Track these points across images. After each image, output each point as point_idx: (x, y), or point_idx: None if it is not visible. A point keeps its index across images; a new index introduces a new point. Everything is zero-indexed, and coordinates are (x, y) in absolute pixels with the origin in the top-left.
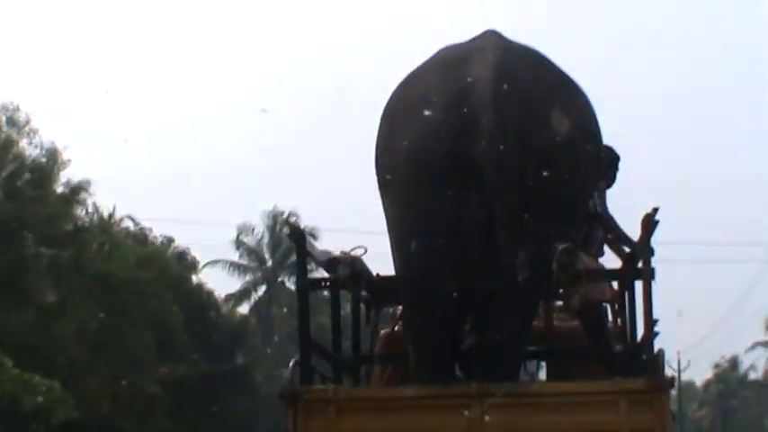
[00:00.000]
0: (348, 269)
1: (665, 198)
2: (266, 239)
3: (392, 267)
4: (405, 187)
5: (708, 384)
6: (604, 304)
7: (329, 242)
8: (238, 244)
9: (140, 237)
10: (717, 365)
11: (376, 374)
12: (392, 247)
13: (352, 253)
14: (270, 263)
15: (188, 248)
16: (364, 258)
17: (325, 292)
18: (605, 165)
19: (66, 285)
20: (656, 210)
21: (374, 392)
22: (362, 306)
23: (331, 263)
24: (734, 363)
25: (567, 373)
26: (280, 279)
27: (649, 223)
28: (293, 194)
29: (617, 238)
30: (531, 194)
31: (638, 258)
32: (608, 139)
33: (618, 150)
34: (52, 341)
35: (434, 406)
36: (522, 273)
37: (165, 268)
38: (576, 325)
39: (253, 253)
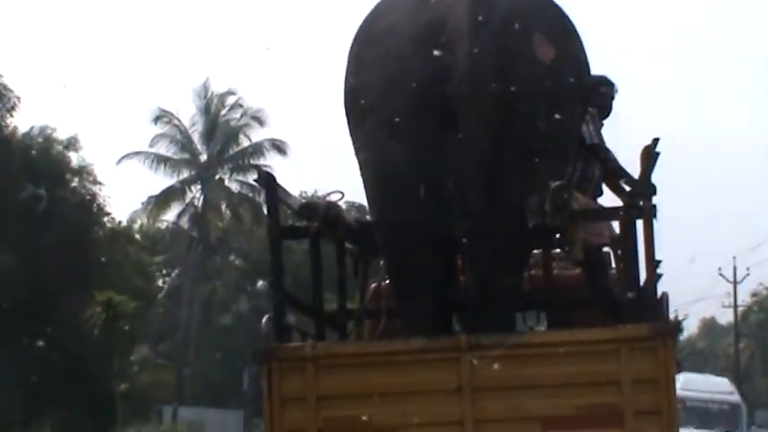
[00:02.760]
0: (323, 215)
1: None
2: (199, 126)
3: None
4: (375, 130)
5: (747, 314)
6: (605, 248)
7: (278, 130)
8: (162, 133)
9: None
10: (755, 294)
11: (367, 330)
12: (366, 191)
13: (330, 198)
14: (204, 156)
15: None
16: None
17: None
18: (598, 95)
19: None
20: (656, 140)
21: (356, 348)
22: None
23: (304, 209)
24: None
25: (568, 324)
26: (218, 176)
27: (649, 155)
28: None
29: (616, 174)
30: (513, 131)
31: (639, 196)
32: (604, 67)
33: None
34: None
35: (422, 360)
36: (533, 217)
37: None
38: (577, 273)
39: (180, 143)
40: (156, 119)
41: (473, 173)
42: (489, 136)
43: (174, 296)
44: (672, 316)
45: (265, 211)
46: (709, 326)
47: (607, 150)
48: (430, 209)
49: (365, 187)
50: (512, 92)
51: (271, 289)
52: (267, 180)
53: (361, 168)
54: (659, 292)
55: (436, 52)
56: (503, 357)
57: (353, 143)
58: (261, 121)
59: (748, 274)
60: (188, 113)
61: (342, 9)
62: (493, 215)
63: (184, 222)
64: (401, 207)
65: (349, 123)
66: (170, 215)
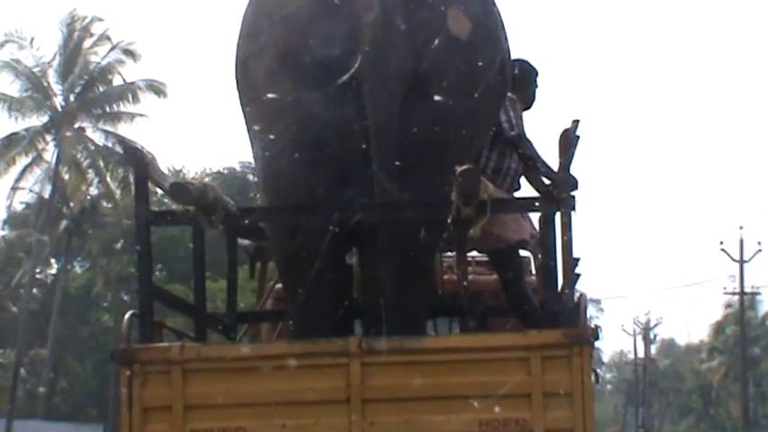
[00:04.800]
0: (196, 198)
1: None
2: (56, 61)
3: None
4: (268, 107)
5: (719, 327)
6: (524, 250)
7: (150, 68)
8: (7, 66)
9: None
10: (729, 305)
11: (265, 334)
12: (258, 175)
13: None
14: (60, 98)
15: None
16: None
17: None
18: (518, 78)
19: None
20: (576, 122)
21: (230, 351)
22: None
23: (175, 189)
24: (753, 300)
25: (483, 332)
26: (78, 125)
27: (568, 140)
28: None
29: (536, 167)
30: (420, 111)
31: (557, 186)
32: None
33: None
34: None
35: (306, 366)
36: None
37: None
38: (494, 278)
39: (31, 80)
40: (3, 44)
41: (376, 157)
42: (394, 117)
43: (30, 284)
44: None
45: (133, 192)
46: (669, 346)
47: (527, 141)
48: (327, 195)
49: (256, 168)
50: (422, 69)
51: (137, 282)
52: (135, 156)
53: (252, 148)
54: (577, 294)
55: (338, 21)
56: (397, 364)
57: (244, 119)
58: (134, 56)
59: (761, 250)
60: (46, 42)
61: None
62: (398, 204)
63: (32, 184)
64: (295, 192)
65: (240, 97)
66: (12, 173)
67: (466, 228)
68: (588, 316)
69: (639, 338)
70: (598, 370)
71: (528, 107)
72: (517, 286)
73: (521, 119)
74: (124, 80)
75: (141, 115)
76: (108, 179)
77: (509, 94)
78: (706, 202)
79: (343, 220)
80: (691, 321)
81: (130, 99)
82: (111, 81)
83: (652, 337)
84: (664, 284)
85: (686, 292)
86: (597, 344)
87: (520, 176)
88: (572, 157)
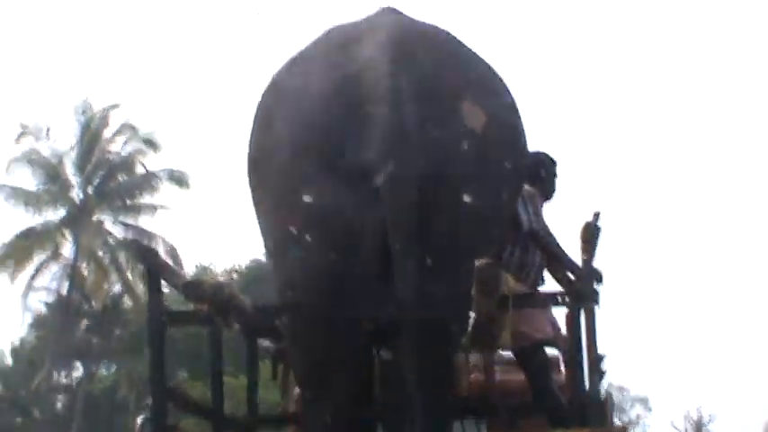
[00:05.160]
0: (211, 298)
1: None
2: (74, 152)
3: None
4: (281, 195)
5: None
6: (553, 347)
7: (171, 158)
8: (24, 158)
9: None
10: None
11: None
12: (273, 272)
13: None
14: (78, 190)
15: None
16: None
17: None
18: (538, 171)
19: None
20: (597, 215)
21: None
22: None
23: (188, 288)
24: None
25: None
26: (96, 217)
27: (589, 232)
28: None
29: (558, 261)
30: (437, 209)
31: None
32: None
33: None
34: None
35: None
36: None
37: None
38: (522, 378)
39: (48, 172)
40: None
41: (403, 255)
42: (413, 220)
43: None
44: None
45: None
46: None
47: (549, 234)
48: (345, 293)
49: (272, 270)
50: (436, 164)
51: (150, 385)
52: (147, 255)
53: (266, 245)
54: (603, 393)
55: (348, 116)
56: None
57: (257, 213)
58: (154, 146)
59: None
60: (62, 133)
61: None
62: (422, 304)
63: (50, 281)
64: (311, 290)
65: (252, 192)
66: (28, 270)
67: (489, 325)
68: (613, 414)
69: None
70: None
71: (548, 198)
72: (543, 384)
73: (540, 211)
74: (146, 169)
75: (163, 207)
76: (129, 274)
77: (527, 186)
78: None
79: (362, 318)
80: (746, 419)
81: (151, 190)
82: (130, 172)
83: None
84: (717, 378)
85: (740, 389)
86: None
87: (543, 271)
88: (593, 250)
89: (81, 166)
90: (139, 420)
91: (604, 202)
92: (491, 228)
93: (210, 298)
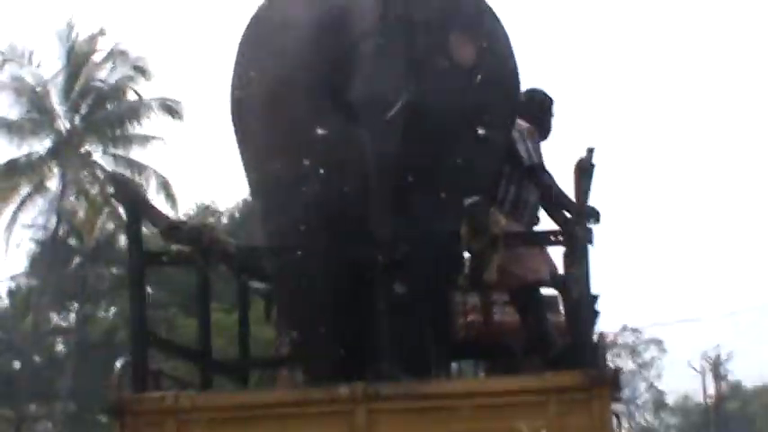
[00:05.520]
0: (189, 237)
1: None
2: (60, 78)
3: None
4: (263, 134)
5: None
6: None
7: (163, 86)
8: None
9: None
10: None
11: (283, 382)
12: (258, 212)
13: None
14: (63, 119)
15: None
16: None
17: None
18: (533, 108)
19: None
20: (590, 151)
21: (228, 399)
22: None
23: (168, 231)
24: None
25: (510, 374)
26: (84, 149)
27: (582, 169)
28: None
29: (555, 199)
30: (425, 144)
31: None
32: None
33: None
34: None
35: (308, 415)
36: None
37: None
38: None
39: (32, 101)
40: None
41: (379, 193)
42: (396, 151)
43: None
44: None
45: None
46: (735, 387)
47: (546, 172)
48: (331, 232)
49: (255, 208)
50: (422, 97)
51: (130, 327)
52: (126, 191)
53: (249, 182)
54: (596, 333)
55: (335, 49)
56: (407, 411)
57: (240, 150)
58: (145, 73)
59: None
60: (47, 59)
61: None
62: (407, 241)
63: (35, 216)
64: (295, 230)
65: (234, 126)
66: (11, 205)
67: (481, 265)
68: (608, 357)
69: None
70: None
71: (544, 137)
72: (539, 327)
73: (538, 149)
74: (140, 96)
75: (156, 138)
76: (121, 210)
77: (525, 124)
78: None
79: (348, 257)
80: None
81: (141, 120)
82: (120, 100)
83: (723, 372)
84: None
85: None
86: (660, 386)
87: (539, 210)
88: (588, 188)
89: (67, 93)
90: (118, 364)
91: (611, 141)
92: (479, 164)
93: (190, 239)
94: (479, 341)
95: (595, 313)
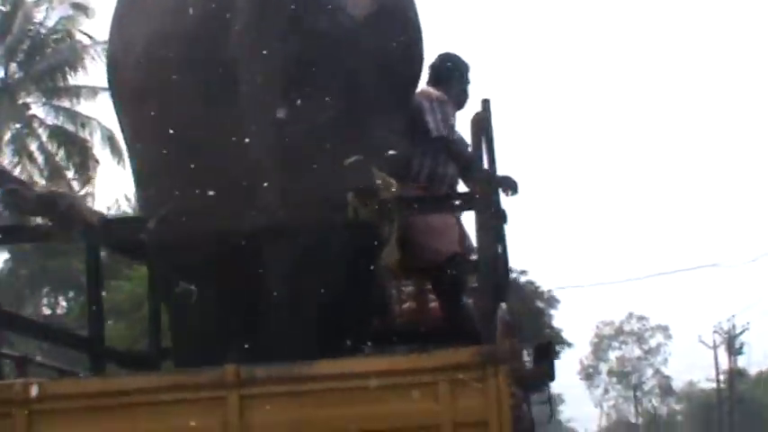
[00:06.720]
0: (40, 209)
1: None
2: None
3: None
4: (140, 98)
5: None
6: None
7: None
8: None
9: None
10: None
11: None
12: (135, 184)
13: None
14: None
15: None
16: None
17: None
18: (447, 74)
19: None
20: (486, 102)
21: (87, 386)
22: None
23: (9, 199)
24: None
25: None
26: (22, 100)
27: (479, 124)
28: None
29: (470, 168)
30: (308, 101)
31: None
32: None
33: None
34: None
35: (176, 401)
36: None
37: None
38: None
39: None
40: None
41: (261, 157)
42: (274, 106)
43: None
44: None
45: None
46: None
47: (459, 142)
48: (207, 200)
49: (133, 178)
50: (309, 53)
51: None
52: None
53: (129, 151)
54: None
55: (212, 6)
56: (282, 395)
57: (117, 116)
58: (87, 11)
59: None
60: None
61: None
62: (292, 209)
63: None
64: (171, 197)
65: (111, 90)
66: None
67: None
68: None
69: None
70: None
71: (460, 107)
72: (454, 305)
73: (449, 118)
74: (90, 37)
75: (106, 90)
76: (68, 171)
77: (437, 92)
78: None
79: (228, 229)
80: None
81: (85, 67)
82: (61, 45)
83: (738, 346)
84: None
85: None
86: (666, 372)
87: (457, 182)
88: (491, 145)
89: (2, 37)
90: None
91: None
92: (369, 125)
93: (41, 208)
94: (413, 328)
95: (502, 285)
